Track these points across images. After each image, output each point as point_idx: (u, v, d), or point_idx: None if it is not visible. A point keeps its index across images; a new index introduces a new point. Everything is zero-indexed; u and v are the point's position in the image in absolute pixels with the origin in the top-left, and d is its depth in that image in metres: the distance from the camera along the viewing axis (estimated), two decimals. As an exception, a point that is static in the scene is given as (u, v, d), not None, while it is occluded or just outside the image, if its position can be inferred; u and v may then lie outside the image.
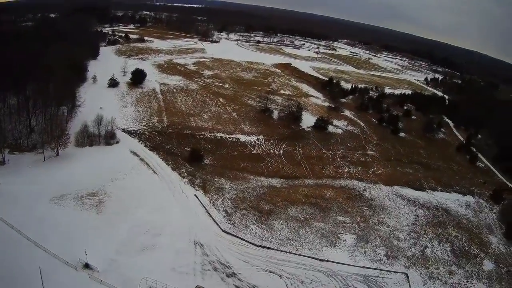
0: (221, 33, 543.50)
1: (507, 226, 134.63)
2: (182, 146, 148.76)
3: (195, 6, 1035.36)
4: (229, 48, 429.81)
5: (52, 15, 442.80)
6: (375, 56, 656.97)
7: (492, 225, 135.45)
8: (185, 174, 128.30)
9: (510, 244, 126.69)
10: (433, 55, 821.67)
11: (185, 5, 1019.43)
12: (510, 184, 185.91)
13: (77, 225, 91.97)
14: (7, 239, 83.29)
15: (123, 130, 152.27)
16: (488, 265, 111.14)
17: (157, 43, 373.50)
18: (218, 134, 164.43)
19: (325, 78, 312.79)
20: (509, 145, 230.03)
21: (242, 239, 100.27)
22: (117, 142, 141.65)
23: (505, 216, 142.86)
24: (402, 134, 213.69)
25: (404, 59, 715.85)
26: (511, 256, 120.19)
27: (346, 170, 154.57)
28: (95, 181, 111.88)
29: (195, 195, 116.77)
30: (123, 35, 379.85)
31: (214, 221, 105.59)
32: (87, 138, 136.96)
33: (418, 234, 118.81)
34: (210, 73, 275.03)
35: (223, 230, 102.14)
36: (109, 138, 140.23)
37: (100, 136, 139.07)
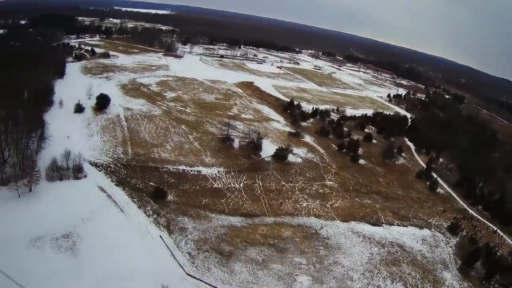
0: (185, 46, 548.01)
1: (463, 261, 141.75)
2: (146, 180, 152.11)
3: (161, 13, 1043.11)
4: (193, 64, 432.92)
5: (23, 22, 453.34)
6: (339, 69, 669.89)
7: (447, 261, 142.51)
8: (150, 212, 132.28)
9: (465, 279, 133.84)
10: (397, 66, 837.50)
11: (151, 11, 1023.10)
12: (470, 211, 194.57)
13: (55, 270, 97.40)
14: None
15: (90, 163, 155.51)
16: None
17: (122, 59, 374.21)
18: (181, 167, 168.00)
19: (287, 99, 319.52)
20: (472, 168, 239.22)
21: (206, 282, 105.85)
22: (85, 176, 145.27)
23: (462, 250, 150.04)
24: (361, 161, 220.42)
25: (368, 71, 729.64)
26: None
27: (304, 205, 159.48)
28: (68, 221, 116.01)
29: (160, 236, 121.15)
30: (89, 49, 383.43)
31: (179, 264, 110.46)
32: (57, 172, 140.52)
33: (372, 273, 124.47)
34: (173, 95, 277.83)
35: (187, 273, 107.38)
36: (77, 172, 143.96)
37: (69, 169, 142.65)
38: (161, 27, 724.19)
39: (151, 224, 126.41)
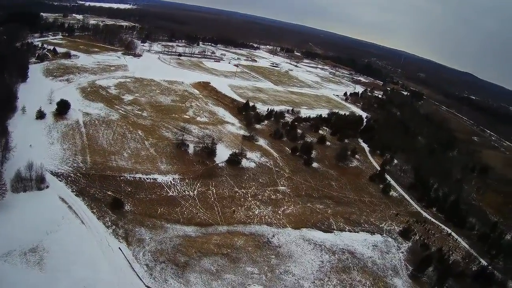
0: (144, 44, 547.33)
1: (414, 267, 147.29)
2: (105, 189, 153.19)
3: (123, 7, 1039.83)
4: (151, 63, 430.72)
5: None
6: (296, 66, 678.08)
7: (398, 267, 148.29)
8: (109, 223, 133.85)
9: (416, 286, 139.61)
10: (356, 62, 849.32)
11: (113, 5, 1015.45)
12: (424, 214, 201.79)
13: (26, 285, 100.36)
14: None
15: (52, 173, 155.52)
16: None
17: (82, 59, 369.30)
18: (137, 175, 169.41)
19: (242, 101, 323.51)
20: (427, 169, 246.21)
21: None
22: (47, 187, 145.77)
23: (414, 255, 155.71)
24: (315, 165, 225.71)
25: (326, 67, 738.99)
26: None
27: (256, 213, 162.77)
28: (34, 235, 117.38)
29: (119, 248, 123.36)
30: (52, 48, 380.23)
31: (138, 276, 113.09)
32: (21, 183, 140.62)
33: (322, 281, 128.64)
34: (130, 97, 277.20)
35: (146, 286, 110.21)
36: (40, 183, 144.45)
37: (32, 180, 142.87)
38: (123, 23, 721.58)
39: (110, 235, 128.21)
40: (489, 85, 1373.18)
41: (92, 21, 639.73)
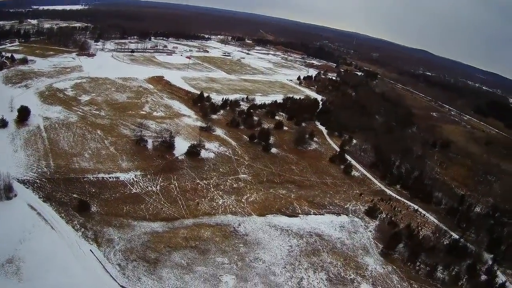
0: (98, 43, 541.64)
1: (384, 244, 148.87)
2: (70, 193, 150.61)
3: (75, 8, 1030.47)
4: (105, 62, 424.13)
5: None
6: (248, 53, 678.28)
7: (367, 245, 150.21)
8: (78, 226, 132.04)
9: (388, 263, 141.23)
10: (308, 46, 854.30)
11: (66, 7, 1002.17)
12: (388, 191, 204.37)
13: None
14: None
15: (18, 180, 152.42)
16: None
17: (39, 64, 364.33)
18: (100, 175, 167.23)
19: (197, 92, 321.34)
20: (387, 147, 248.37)
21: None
22: (15, 195, 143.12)
23: (382, 233, 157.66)
24: (273, 150, 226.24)
25: (278, 53, 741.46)
26: (389, 276, 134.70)
27: (220, 203, 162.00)
28: (8, 245, 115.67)
29: (90, 250, 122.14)
30: (10, 55, 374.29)
31: (111, 276, 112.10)
32: None
33: (293, 266, 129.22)
34: (87, 98, 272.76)
35: (120, 285, 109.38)
36: (8, 192, 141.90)
37: (1, 190, 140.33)
38: (76, 24, 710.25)
39: (80, 238, 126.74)
40: (445, 61, 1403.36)
41: (46, 25, 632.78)
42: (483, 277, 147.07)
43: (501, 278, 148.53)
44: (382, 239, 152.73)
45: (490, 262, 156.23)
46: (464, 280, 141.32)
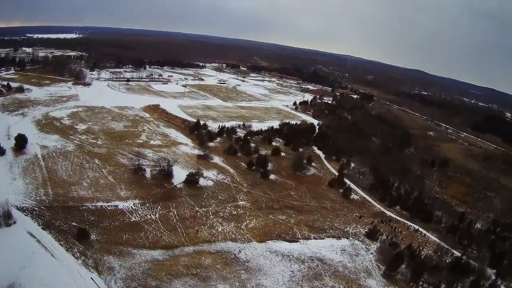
0: (93, 72, 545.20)
1: (386, 266, 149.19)
2: (69, 221, 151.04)
3: (69, 37, 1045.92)
4: (101, 91, 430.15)
5: None
6: (243, 81, 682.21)
7: (370, 268, 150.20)
8: (78, 254, 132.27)
9: (390, 284, 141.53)
10: (302, 71, 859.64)
11: (60, 35, 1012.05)
12: (388, 213, 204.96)
13: None
14: None
15: (17, 208, 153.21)
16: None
17: (35, 92, 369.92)
18: (98, 204, 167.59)
19: (193, 120, 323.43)
20: (385, 169, 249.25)
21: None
22: (15, 223, 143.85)
23: (384, 255, 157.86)
24: (272, 177, 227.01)
25: (273, 79, 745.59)
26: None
27: (220, 230, 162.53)
28: (10, 271, 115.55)
29: (91, 278, 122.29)
30: (6, 83, 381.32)
31: None
32: None
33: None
34: (84, 127, 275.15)
35: None
36: (7, 219, 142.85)
37: (0, 217, 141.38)
38: (70, 53, 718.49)
39: (81, 266, 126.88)
40: (440, 80, 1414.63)
41: (41, 53, 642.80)
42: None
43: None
44: (384, 261, 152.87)
45: (493, 277, 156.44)
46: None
